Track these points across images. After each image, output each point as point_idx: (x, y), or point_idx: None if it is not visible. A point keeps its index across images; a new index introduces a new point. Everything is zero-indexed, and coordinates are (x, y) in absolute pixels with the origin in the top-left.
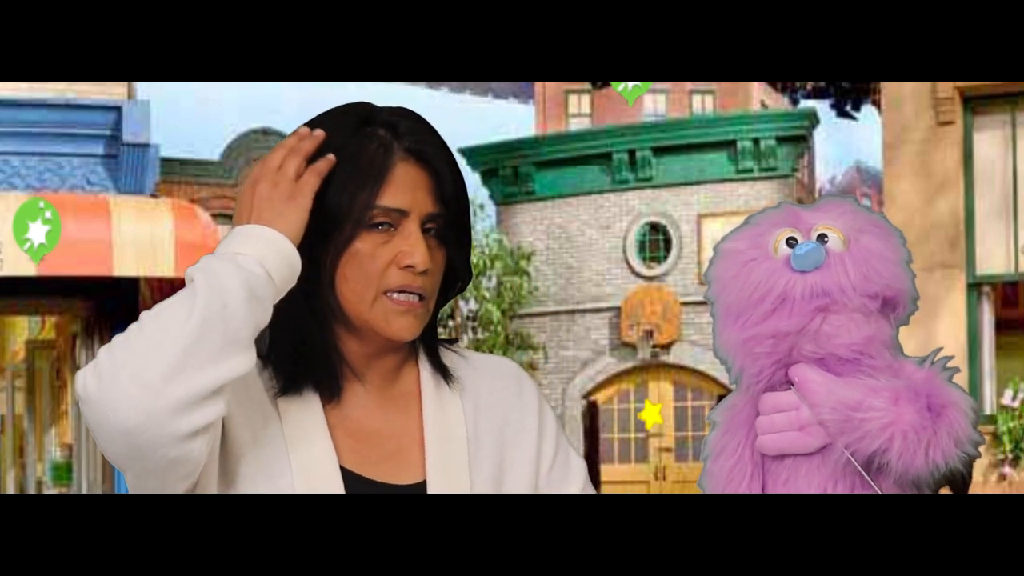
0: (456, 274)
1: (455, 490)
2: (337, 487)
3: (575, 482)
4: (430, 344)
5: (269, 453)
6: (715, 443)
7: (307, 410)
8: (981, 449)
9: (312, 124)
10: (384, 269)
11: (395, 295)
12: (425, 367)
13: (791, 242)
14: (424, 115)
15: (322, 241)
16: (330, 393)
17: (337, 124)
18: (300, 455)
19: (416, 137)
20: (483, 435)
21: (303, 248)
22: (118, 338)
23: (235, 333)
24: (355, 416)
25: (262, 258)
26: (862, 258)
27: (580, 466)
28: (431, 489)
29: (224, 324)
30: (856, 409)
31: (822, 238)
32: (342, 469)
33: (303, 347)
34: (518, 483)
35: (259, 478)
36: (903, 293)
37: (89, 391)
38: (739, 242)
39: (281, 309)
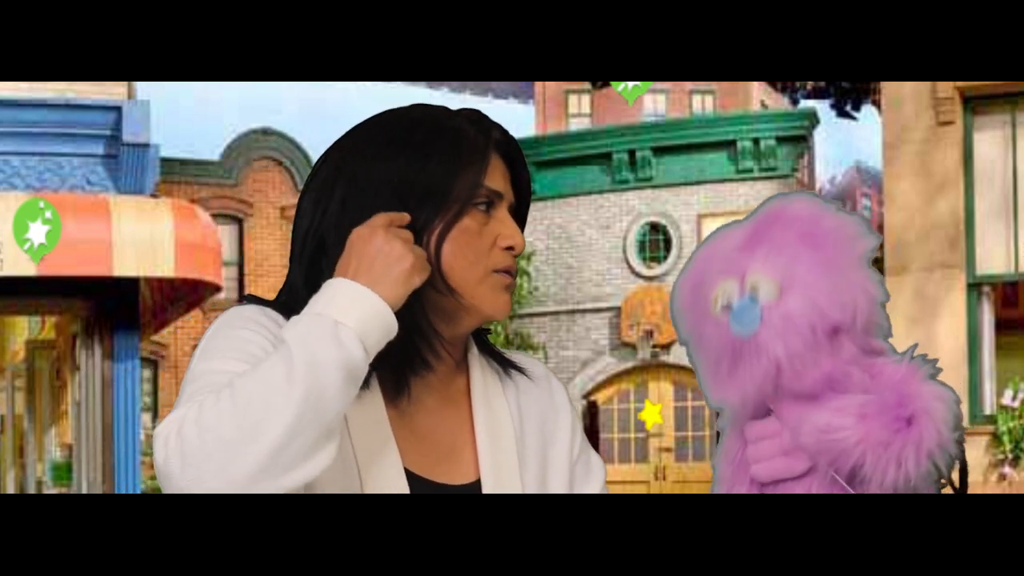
0: None
1: (507, 490)
2: (403, 490)
3: (596, 481)
4: (487, 340)
5: (338, 456)
6: (723, 475)
7: (373, 408)
8: (981, 449)
9: (394, 113)
10: (489, 248)
11: (500, 273)
12: (475, 364)
13: (727, 304)
14: None
15: (431, 216)
16: (409, 376)
17: (417, 112)
18: (367, 457)
19: (501, 131)
20: (528, 434)
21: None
22: (210, 409)
23: (328, 425)
24: (412, 411)
25: (363, 334)
26: (800, 300)
27: (600, 466)
28: (485, 490)
29: (319, 417)
30: (826, 431)
31: (752, 292)
32: (406, 471)
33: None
34: (559, 481)
35: (327, 480)
36: (857, 310)
37: (171, 469)
38: (684, 296)
39: None
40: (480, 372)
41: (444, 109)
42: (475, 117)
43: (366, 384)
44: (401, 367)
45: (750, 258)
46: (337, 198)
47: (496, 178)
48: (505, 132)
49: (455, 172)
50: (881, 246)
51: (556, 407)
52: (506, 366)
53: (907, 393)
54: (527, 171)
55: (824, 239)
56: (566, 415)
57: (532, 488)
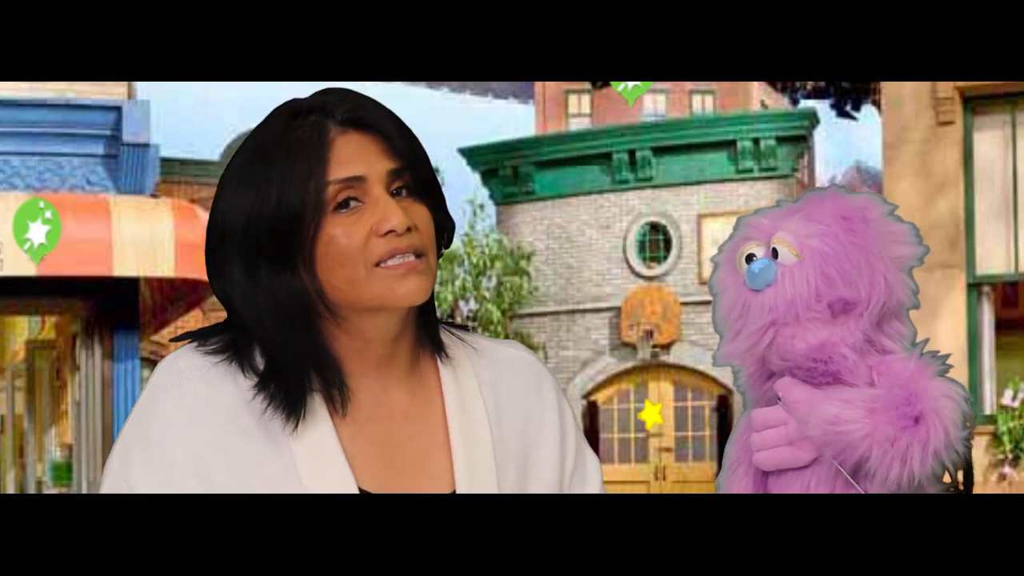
0: (441, 226)
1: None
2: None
3: (592, 482)
4: (427, 322)
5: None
6: (731, 454)
7: (318, 432)
8: (981, 449)
9: (246, 138)
10: (364, 243)
11: (388, 263)
12: (446, 360)
13: (750, 259)
14: (424, 115)
15: (291, 244)
16: (338, 402)
17: (266, 129)
18: (318, 485)
19: (347, 106)
20: (507, 436)
21: (274, 261)
22: None
23: None
24: (373, 420)
25: None
26: (812, 268)
27: (596, 465)
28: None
29: None
30: (834, 423)
31: (775, 253)
32: (364, 493)
33: (298, 359)
34: (542, 485)
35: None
36: (872, 299)
37: None
38: (727, 252)
39: (272, 327)
40: (451, 370)
41: (284, 118)
42: (317, 103)
43: (303, 410)
44: (328, 386)
45: (776, 225)
46: (213, 244)
47: (346, 164)
48: (352, 106)
49: (300, 183)
50: None
51: (544, 406)
52: (479, 356)
53: (915, 391)
54: (399, 128)
55: (859, 226)
56: (553, 414)
57: (508, 492)
